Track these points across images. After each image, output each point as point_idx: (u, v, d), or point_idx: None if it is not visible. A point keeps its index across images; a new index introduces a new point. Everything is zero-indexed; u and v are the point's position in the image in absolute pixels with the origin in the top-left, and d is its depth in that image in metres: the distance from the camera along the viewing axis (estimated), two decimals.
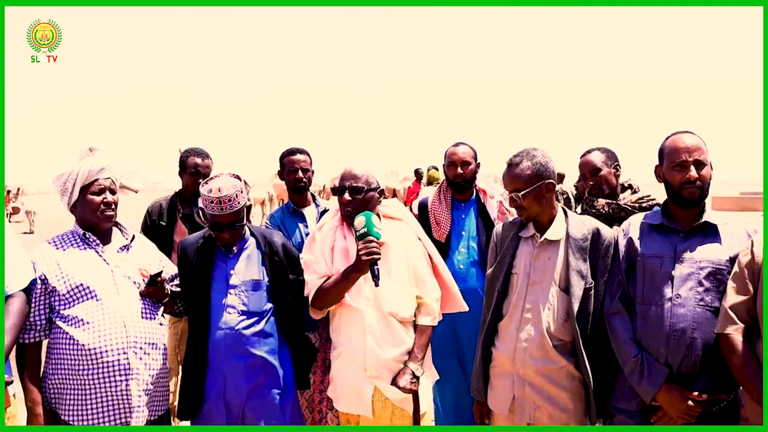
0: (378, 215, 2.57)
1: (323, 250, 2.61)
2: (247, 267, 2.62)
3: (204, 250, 2.62)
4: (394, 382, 2.46)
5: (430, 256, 2.70)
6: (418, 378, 2.48)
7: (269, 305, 2.62)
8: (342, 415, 2.64)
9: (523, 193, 2.37)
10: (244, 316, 2.55)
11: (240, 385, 2.53)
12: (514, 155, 2.43)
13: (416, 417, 2.51)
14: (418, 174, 13.86)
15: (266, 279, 2.62)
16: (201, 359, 2.54)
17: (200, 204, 2.57)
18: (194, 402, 2.55)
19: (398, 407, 2.51)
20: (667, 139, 2.29)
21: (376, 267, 2.42)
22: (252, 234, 2.71)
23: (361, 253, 2.42)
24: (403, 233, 2.66)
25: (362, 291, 2.53)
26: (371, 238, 2.42)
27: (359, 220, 2.46)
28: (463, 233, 3.38)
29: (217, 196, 2.47)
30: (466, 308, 2.76)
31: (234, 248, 2.63)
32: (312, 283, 2.58)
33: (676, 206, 2.28)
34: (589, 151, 3.13)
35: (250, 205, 2.76)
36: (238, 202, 2.51)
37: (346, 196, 2.56)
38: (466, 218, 3.43)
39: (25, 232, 16.40)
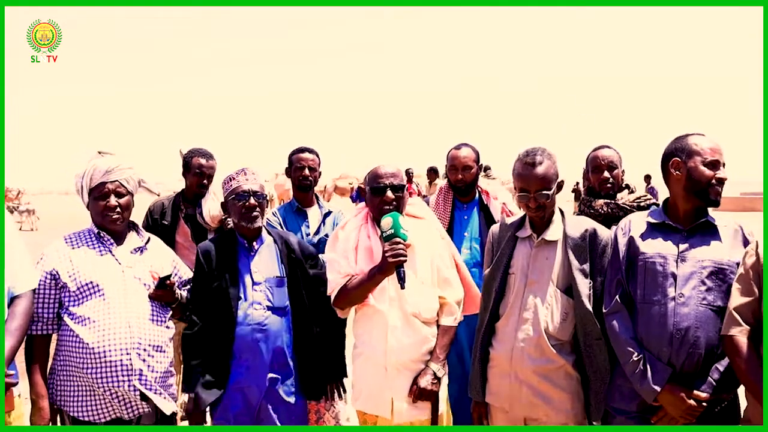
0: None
1: (346, 249, 2.58)
2: (268, 264, 2.66)
3: (225, 248, 2.65)
4: (415, 382, 2.45)
5: (452, 256, 2.69)
6: (439, 379, 2.47)
7: (288, 302, 2.65)
8: (359, 414, 2.61)
9: (551, 192, 2.35)
10: (270, 312, 2.59)
11: (261, 380, 2.56)
12: (530, 154, 2.37)
13: (434, 418, 2.48)
14: (408, 174, 14.13)
15: (285, 277, 2.66)
16: (225, 355, 2.55)
17: (224, 186, 2.72)
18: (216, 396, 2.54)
19: (416, 408, 2.47)
20: (689, 136, 2.26)
21: (402, 269, 2.39)
22: (269, 233, 2.76)
23: (387, 254, 2.39)
24: (427, 233, 2.64)
25: (386, 292, 2.51)
26: (398, 239, 2.40)
27: (386, 221, 2.43)
28: (466, 234, 3.38)
29: (242, 168, 2.68)
30: None
31: (255, 243, 2.68)
32: (335, 282, 2.55)
33: (687, 203, 2.25)
34: (605, 146, 3.16)
35: (268, 200, 2.84)
36: (262, 180, 2.71)
37: (389, 194, 2.52)
38: (468, 219, 3.43)
39: (26, 230, 16.45)
